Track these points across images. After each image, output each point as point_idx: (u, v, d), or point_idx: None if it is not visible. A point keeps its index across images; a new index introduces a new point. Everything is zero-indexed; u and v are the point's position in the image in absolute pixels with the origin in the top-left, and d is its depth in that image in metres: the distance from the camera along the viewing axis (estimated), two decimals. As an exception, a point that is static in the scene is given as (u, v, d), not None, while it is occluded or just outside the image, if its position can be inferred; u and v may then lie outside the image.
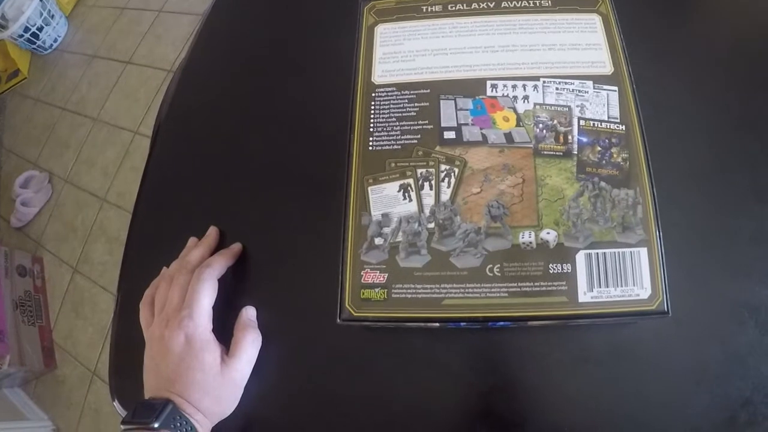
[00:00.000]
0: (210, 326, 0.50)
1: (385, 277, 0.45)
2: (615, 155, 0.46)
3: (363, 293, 0.45)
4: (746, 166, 0.51)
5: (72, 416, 1.71)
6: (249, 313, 0.54)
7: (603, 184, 0.45)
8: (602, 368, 0.46)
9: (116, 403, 0.56)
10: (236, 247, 0.57)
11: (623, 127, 0.48)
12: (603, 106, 0.49)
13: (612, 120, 0.48)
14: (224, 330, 0.52)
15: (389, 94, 0.52)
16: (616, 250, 0.43)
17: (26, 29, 2.29)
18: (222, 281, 0.53)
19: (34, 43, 2.39)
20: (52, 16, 2.38)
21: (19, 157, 2.31)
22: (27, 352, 1.74)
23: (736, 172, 0.50)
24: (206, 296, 0.50)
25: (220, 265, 0.53)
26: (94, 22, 2.51)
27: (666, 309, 0.41)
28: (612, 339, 0.47)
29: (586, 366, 0.47)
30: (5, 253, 1.87)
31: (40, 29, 2.35)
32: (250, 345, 0.51)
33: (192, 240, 0.59)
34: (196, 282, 0.51)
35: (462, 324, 0.45)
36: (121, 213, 1.93)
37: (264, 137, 0.64)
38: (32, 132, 2.35)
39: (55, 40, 2.48)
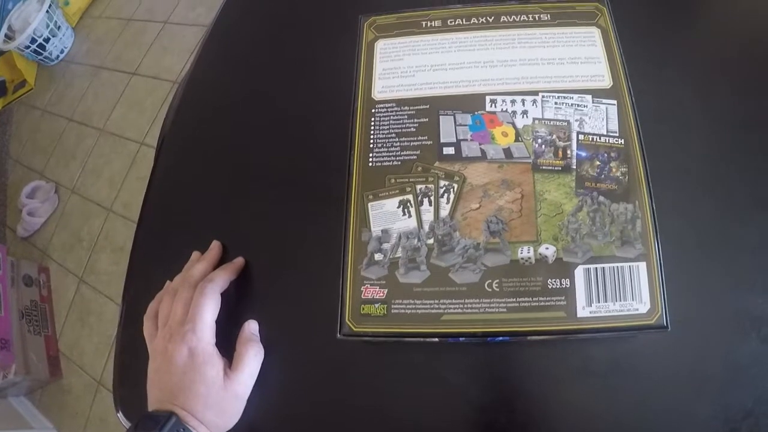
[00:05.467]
0: (213, 340, 0.51)
1: (385, 292, 0.45)
2: (614, 169, 0.47)
3: (363, 308, 0.45)
4: (746, 178, 0.51)
5: (77, 426, 1.71)
6: (251, 327, 0.54)
7: (602, 198, 0.45)
8: (603, 381, 0.46)
9: (120, 415, 0.56)
10: (239, 261, 0.57)
11: (622, 141, 0.48)
12: (602, 120, 0.49)
13: (611, 134, 0.48)
14: (227, 344, 0.52)
15: (389, 110, 0.53)
16: (615, 264, 0.43)
17: (33, 40, 2.31)
18: (225, 295, 0.53)
19: (41, 54, 2.41)
20: (59, 28, 2.40)
21: (26, 167, 2.33)
22: (32, 361, 1.75)
23: (736, 184, 0.51)
24: (209, 310, 0.51)
25: (222, 279, 0.54)
26: (100, 34, 2.53)
27: (665, 324, 0.42)
28: (613, 352, 0.47)
29: (587, 379, 0.47)
30: (11, 263, 1.88)
31: (47, 40, 2.37)
32: (252, 358, 0.51)
33: (195, 254, 0.59)
34: (199, 296, 0.51)
35: (461, 339, 0.45)
36: (127, 223, 1.94)
37: (265, 153, 0.64)
38: (39, 142, 2.37)
39: (62, 51, 2.50)
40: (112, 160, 2.12)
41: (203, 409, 0.48)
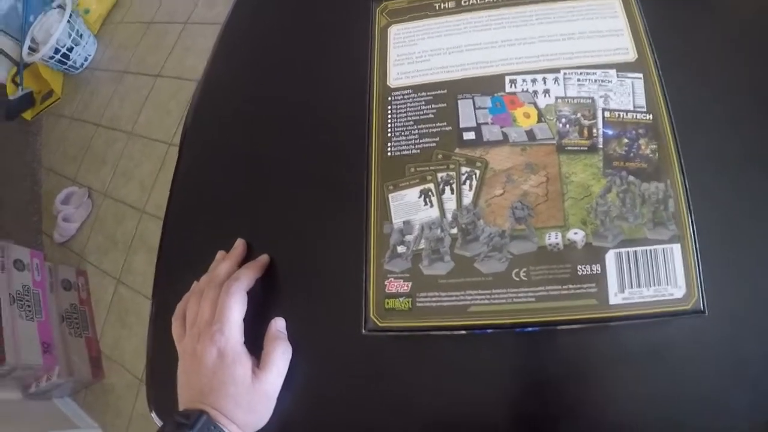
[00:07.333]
0: (241, 339, 0.51)
1: (409, 285, 0.44)
2: (643, 147, 0.44)
3: (387, 303, 0.44)
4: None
5: (121, 424, 1.76)
6: (278, 324, 0.54)
7: (631, 178, 0.43)
8: (638, 369, 0.45)
9: (153, 414, 0.57)
10: (263, 259, 0.57)
11: (650, 117, 0.46)
12: (628, 95, 0.47)
13: (638, 109, 0.46)
14: (254, 341, 0.52)
15: (405, 97, 0.51)
16: (647, 247, 0.41)
17: (56, 51, 2.34)
18: (250, 293, 0.53)
19: (66, 64, 2.45)
20: (81, 36, 2.43)
21: (59, 174, 2.38)
22: (75, 363, 1.80)
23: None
24: (236, 310, 0.51)
25: (248, 278, 0.54)
26: (122, 39, 2.56)
27: (702, 308, 0.40)
28: (647, 339, 0.45)
29: (621, 367, 0.45)
30: (50, 269, 1.93)
31: (70, 50, 2.40)
32: (280, 357, 0.51)
33: (220, 254, 0.59)
34: (226, 296, 0.51)
35: (488, 331, 0.43)
36: (160, 223, 1.93)
37: (284, 148, 0.64)
38: (69, 150, 2.41)
39: (86, 59, 2.54)
40: (141, 162, 2.15)
41: (233, 408, 0.48)
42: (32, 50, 2.36)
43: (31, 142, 2.53)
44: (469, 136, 0.48)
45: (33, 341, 1.71)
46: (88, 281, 2.05)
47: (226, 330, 0.49)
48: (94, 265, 2.07)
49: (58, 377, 1.72)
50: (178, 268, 0.64)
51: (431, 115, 0.50)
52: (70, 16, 2.32)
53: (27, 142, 2.52)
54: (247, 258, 0.58)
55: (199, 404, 0.48)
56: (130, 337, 1.86)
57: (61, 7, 2.35)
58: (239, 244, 0.59)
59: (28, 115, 2.56)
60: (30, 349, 1.69)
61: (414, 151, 0.49)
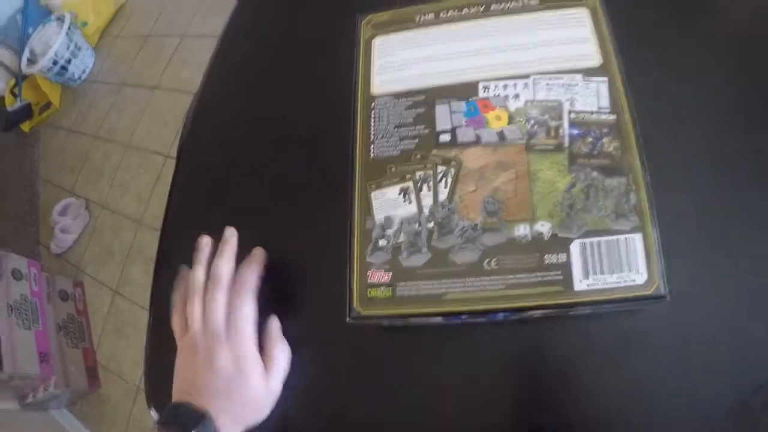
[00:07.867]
0: (255, 346, 0.52)
1: (390, 276, 0.47)
2: (606, 145, 0.47)
3: (369, 292, 0.47)
4: (742, 148, 0.51)
5: (117, 434, 1.76)
6: (275, 324, 0.55)
7: (595, 174, 0.46)
8: (612, 357, 0.47)
9: (152, 411, 0.59)
10: (261, 255, 0.57)
11: (614, 117, 0.48)
12: (593, 97, 0.50)
13: (602, 110, 0.49)
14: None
15: (387, 103, 0.54)
16: (610, 237, 0.44)
17: (55, 62, 2.38)
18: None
19: (64, 76, 2.48)
20: (79, 49, 2.47)
21: (56, 186, 2.40)
22: (72, 373, 1.81)
23: (732, 153, 0.50)
24: (251, 318, 0.52)
25: (255, 281, 0.54)
26: (120, 52, 2.60)
27: (663, 293, 0.42)
28: (619, 327, 0.47)
29: (593, 356, 0.47)
30: (47, 279, 1.95)
31: (69, 62, 2.44)
32: (282, 357, 0.53)
33: (206, 239, 0.57)
34: (242, 305, 0.52)
35: (463, 317, 0.46)
36: (157, 235, 1.96)
37: (277, 154, 0.67)
38: (67, 161, 2.44)
39: (84, 71, 2.57)
40: (139, 174, 2.18)
41: (242, 411, 0.50)
42: (31, 62, 2.40)
43: (29, 153, 2.55)
44: (445, 138, 0.51)
45: (30, 350, 1.72)
46: (84, 292, 2.06)
47: (243, 339, 0.51)
48: (91, 276, 2.08)
49: (55, 387, 1.73)
50: (176, 271, 0.65)
51: (411, 120, 0.53)
52: (69, 28, 2.35)
53: (25, 154, 2.54)
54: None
55: (193, 398, 0.49)
56: (127, 347, 1.87)
57: (60, 19, 2.39)
58: (230, 235, 0.57)
59: (26, 126, 2.59)
60: (27, 359, 1.70)
61: (394, 153, 0.52)
